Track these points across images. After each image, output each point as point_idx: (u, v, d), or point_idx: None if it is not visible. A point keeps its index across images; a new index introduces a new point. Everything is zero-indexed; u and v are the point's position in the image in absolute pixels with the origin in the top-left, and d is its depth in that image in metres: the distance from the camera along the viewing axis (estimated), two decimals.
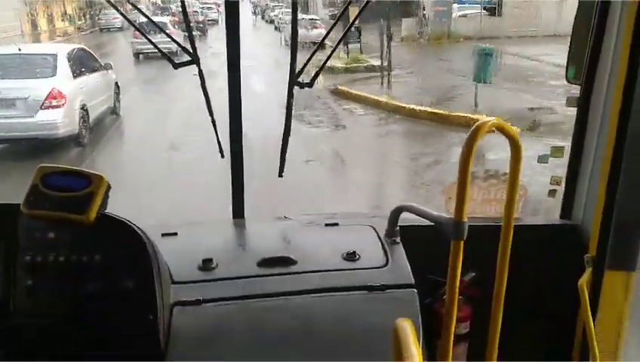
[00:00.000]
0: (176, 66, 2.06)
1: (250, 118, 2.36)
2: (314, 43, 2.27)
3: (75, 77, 9.92)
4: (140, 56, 19.04)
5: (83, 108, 9.68)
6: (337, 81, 14.77)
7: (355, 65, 17.07)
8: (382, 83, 14.72)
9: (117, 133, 11.28)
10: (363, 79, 15.62)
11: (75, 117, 9.35)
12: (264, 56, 18.52)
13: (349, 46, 17.43)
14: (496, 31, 18.66)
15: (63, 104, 9.18)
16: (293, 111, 2.14)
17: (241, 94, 2.16)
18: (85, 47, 11.73)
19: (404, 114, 11.96)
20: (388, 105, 12.56)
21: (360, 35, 17.55)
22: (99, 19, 29.81)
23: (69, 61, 10.01)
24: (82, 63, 10.51)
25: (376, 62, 16.07)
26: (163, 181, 7.75)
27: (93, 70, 10.84)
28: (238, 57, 2.11)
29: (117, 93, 11.78)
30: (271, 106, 9.44)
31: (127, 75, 15.42)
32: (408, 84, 14.76)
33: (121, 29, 27.48)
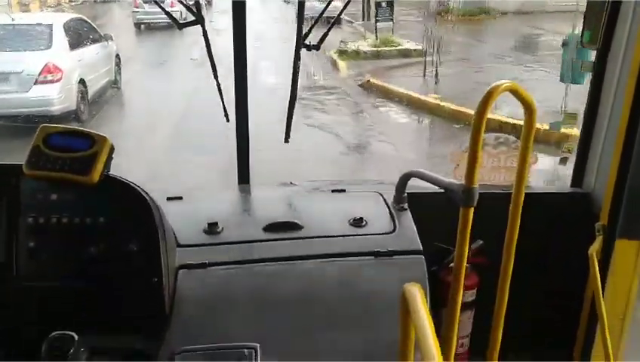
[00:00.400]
0: (181, 27, 2.03)
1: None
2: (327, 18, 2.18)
3: (72, 49, 9.27)
4: (142, 26, 17.93)
5: (81, 82, 9.00)
6: (365, 69, 11.56)
7: (387, 49, 13.43)
8: (424, 74, 10.77)
9: (117, 107, 10.70)
10: (398, 67, 11.98)
11: (72, 92, 8.69)
12: (273, 33, 16.90)
13: (378, 24, 13.82)
14: (539, 5, 16.67)
15: (59, 79, 8.50)
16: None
17: (247, 60, 2.12)
18: (84, 17, 10.98)
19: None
20: (452, 112, 8.44)
21: (392, 10, 13.83)
22: None
23: (66, 32, 9.33)
24: (80, 34, 9.88)
25: (412, 46, 13.01)
26: (163, 156, 7.30)
27: (93, 41, 10.22)
28: (244, 21, 2.06)
29: (118, 66, 11.09)
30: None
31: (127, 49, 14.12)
32: (456, 77, 10.90)
33: None
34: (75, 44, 9.45)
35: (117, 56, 11.04)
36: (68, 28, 9.57)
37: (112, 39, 10.80)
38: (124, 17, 19.89)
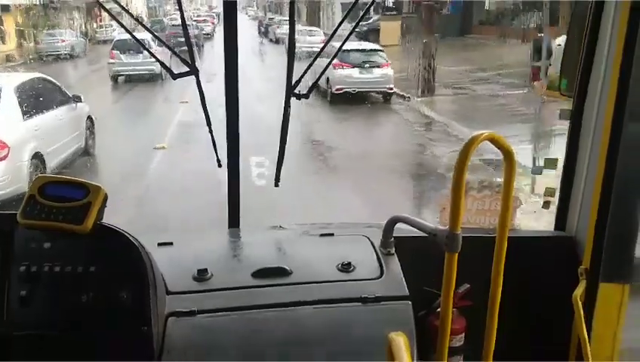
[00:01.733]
0: (175, 77, 2.08)
1: None
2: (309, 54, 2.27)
3: (27, 117, 7.81)
4: (119, 79, 16.42)
5: (37, 156, 7.55)
6: None
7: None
8: None
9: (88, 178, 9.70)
10: None
11: (22, 171, 7.19)
12: (251, 70, 15.74)
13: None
14: None
15: (3, 157, 7.02)
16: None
17: (239, 109, 2.17)
18: (46, 77, 9.44)
19: None
20: None
21: None
22: (37, 43, 21.41)
23: (19, 97, 7.87)
24: (40, 97, 8.42)
25: None
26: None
27: (58, 104, 8.80)
28: (236, 68, 2.12)
29: (90, 130, 9.66)
30: None
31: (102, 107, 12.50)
32: None
33: (70, 56, 20.68)
34: (31, 111, 8.08)
35: (89, 118, 9.73)
36: (23, 91, 8.16)
37: (80, 100, 9.40)
38: (90, 73, 18.65)
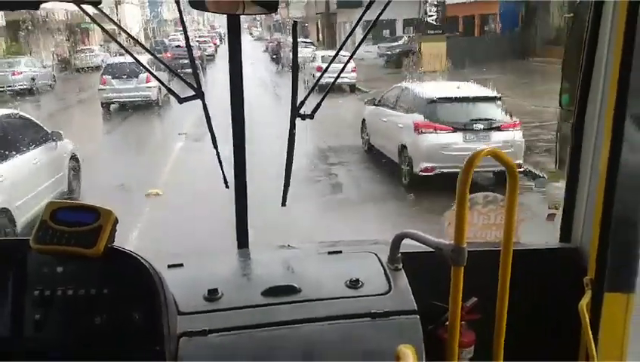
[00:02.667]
0: (181, 101, 2.11)
1: None
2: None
3: None
4: (111, 106, 15.40)
5: (4, 212, 6.45)
6: None
7: None
8: None
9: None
10: None
11: None
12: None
13: None
14: None
15: None
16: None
17: (245, 128, 2.21)
18: (21, 113, 8.34)
19: None
20: None
21: None
22: None
23: None
24: (9, 140, 7.15)
25: None
26: None
27: (33, 145, 7.54)
28: (241, 86, 2.15)
29: (75, 170, 8.38)
30: None
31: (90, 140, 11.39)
32: None
33: (29, 91, 17.74)
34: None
35: (73, 157, 8.40)
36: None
37: (60, 138, 8.13)
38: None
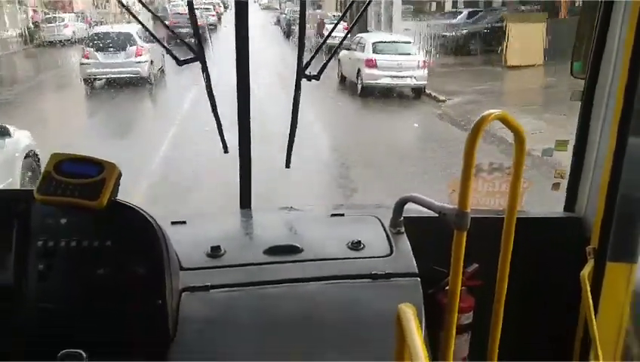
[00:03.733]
0: (181, 63, 2.09)
1: None
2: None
3: None
4: (95, 82, 13.11)
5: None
6: None
7: None
8: None
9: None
10: None
11: None
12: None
13: None
14: None
15: None
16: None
17: (249, 86, 2.18)
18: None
19: None
20: None
21: None
22: None
23: None
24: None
25: None
26: None
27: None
28: (247, 48, 2.13)
29: (33, 171, 6.34)
30: None
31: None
32: None
33: None
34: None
35: (30, 154, 6.36)
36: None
37: (8, 133, 6.02)
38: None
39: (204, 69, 2.10)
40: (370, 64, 13.11)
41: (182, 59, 2.10)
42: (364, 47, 13.69)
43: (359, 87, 13.29)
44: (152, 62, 12.81)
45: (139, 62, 12.81)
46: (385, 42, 14.27)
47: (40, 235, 1.60)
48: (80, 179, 1.56)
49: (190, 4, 2.17)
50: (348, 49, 13.74)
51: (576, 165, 2.21)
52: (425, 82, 12.82)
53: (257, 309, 1.67)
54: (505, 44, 13.00)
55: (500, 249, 1.82)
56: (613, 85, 1.96)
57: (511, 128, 1.68)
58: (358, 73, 13.43)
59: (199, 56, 2.05)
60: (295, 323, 1.64)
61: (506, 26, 13.97)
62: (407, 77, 12.91)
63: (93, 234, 1.59)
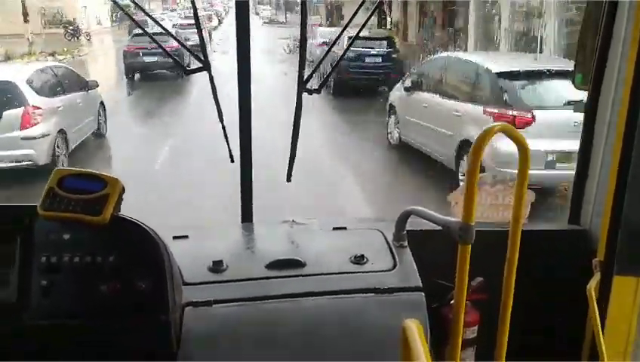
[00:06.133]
0: (187, 73, 2.11)
1: None
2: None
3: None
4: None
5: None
6: None
7: None
8: None
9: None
10: None
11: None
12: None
13: None
14: None
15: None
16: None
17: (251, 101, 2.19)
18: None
19: None
20: None
21: None
22: None
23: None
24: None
25: None
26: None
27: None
28: (249, 62, 2.14)
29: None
30: None
31: None
32: None
33: None
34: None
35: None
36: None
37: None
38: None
39: (211, 79, 2.11)
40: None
41: (188, 68, 2.13)
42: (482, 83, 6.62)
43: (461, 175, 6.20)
44: (63, 132, 8.43)
45: (28, 137, 7.81)
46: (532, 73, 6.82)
47: (43, 251, 1.59)
48: (83, 194, 1.56)
49: (195, 15, 2.19)
50: (413, 88, 7.95)
51: (580, 177, 2.20)
52: None
53: (260, 324, 1.66)
54: None
55: (505, 262, 1.80)
56: (617, 96, 1.96)
57: (514, 140, 1.68)
58: (460, 150, 6.55)
59: (205, 65, 2.06)
60: (298, 339, 1.63)
61: None
62: None
63: (96, 250, 1.58)
